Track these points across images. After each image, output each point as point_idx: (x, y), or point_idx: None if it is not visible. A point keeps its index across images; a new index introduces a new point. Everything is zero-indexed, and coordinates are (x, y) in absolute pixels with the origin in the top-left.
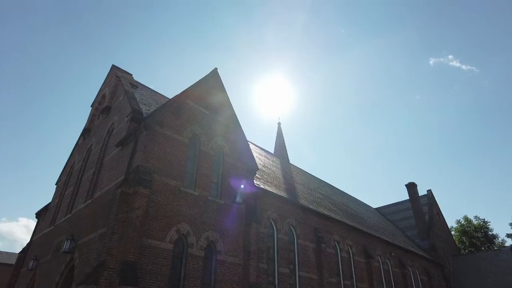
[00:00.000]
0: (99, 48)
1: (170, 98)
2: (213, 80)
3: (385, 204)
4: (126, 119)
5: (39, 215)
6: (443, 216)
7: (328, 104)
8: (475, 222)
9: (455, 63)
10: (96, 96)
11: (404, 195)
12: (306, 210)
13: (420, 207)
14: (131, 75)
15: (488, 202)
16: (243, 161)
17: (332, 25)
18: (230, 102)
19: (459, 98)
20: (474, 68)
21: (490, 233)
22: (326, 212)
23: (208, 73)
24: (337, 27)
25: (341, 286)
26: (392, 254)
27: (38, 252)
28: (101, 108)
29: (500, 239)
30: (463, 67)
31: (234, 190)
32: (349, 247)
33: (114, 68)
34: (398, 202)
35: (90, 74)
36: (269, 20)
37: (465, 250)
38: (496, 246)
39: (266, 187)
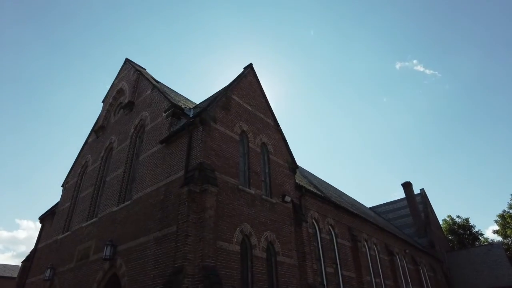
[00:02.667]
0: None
1: (216, 92)
2: (250, 75)
3: (379, 203)
4: (164, 114)
5: (43, 219)
6: (435, 214)
7: (301, 104)
8: (458, 220)
9: (419, 68)
10: (109, 92)
11: (382, 195)
12: (340, 209)
13: (416, 206)
14: (145, 69)
15: (463, 199)
16: (284, 159)
17: (302, 27)
18: (267, 99)
19: (422, 101)
20: (436, 72)
21: (474, 230)
22: (355, 211)
23: (242, 68)
24: (307, 29)
25: (373, 284)
26: (407, 251)
27: (52, 259)
28: (117, 103)
29: (484, 235)
30: (427, 71)
31: (281, 188)
32: (374, 245)
33: (128, 62)
34: (393, 201)
35: (72, 70)
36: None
37: (454, 247)
38: (481, 242)
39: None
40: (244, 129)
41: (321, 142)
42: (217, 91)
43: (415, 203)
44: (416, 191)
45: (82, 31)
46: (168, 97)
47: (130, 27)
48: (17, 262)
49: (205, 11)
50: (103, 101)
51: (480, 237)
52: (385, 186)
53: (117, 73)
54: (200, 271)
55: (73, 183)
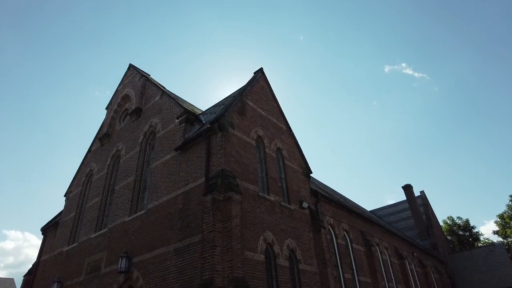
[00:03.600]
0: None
1: (230, 97)
2: (262, 80)
3: (379, 207)
4: (177, 121)
5: (45, 231)
6: (435, 216)
7: (292, 107)
8: (458, 222)
9: (408, 71)
10: (113, 98)
11: (376, 198)
12: (353, 214)
13: (418, 208)
14: (150, 75)
15: (458, 200)
16: (299, 164)
17: (291, 32)
18: (279, 103)
19: (412, 104)
20: (425, 75)
21: (474, 230)
22: (367, 216)
23: (252, 73)
24: (296, 34)
25: (385, 287)
26: (414, 254)
27: (58, 272)
28: (123, 110)
29: (483, 236)
30: (416, 74)
31: (298, 194)
32: (385, 249)
33: (133, 67)
34: (394, 203)
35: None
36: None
37: (454, 248)
38: (481, 243)
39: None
40: (260, 134)
41: (315, 145)
42: (208, 94)
43: (416, 206)
44: (415, 193)
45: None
46: (180, 103)
47: (116, 29)
48: (5, 274)
49: (193, 14)
50: (106, 108)
51: (481, 237)
52: (380, 189)
53: (99, 79)
54: (230, 282)
55: (77, 193)
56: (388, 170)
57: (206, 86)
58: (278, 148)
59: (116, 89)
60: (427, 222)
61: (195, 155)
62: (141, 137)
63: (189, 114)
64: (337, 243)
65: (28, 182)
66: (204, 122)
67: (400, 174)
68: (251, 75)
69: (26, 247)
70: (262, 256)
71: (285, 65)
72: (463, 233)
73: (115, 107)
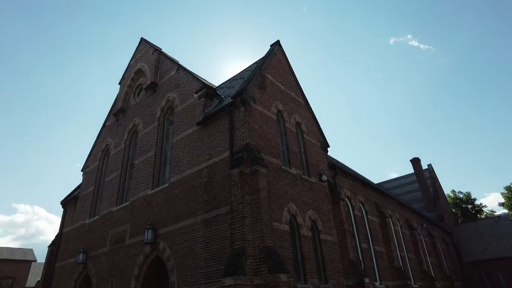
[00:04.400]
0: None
1: (247, 71)
2: (279, 53)
3: (386, 180)
4: (196, 95)
5: (65, 204)
6: (442, 189)
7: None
8: (461, 195)
9: (414, 43)
10: (125, 73)
11: (379, 173)
12: (368, 187)
13: (425, 181)
14: (161, 49)
15: (461, 173)
16: (317, 138)
17: (293, 2)
18: (296, 77)
19: (418, 76)
20: (431, 47)
21: (476, 203)
22: (380, 188)
23: (269, 46)
24: (299, 4)
25: (398, 257)
26: (424, 225)
27: (82, 244)
28: (137, 85)
29: (486, 208)
30: (421, 46)
31: (317, 168)
32: (398, 220)
33: (144, 41)
34: (401, 176)
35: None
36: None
37: (458, 220)
38: (484, 215)
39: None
40: (280, 108)
41: (321, 119)
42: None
43: (423, 179)
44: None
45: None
46: (197, 77)
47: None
48: (18, 244)
49: None
50: (119, 83)
51: (484, 209)
52: (382, 163)
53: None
54: (261, 252)
55: (94, 168)
56: (390, 144)
57: (206, 63)
58: (297, 123)
59: (129, 64)
60: (434, 194)
61: (217, 129)
62: (159, 112)
63: (208, 89)
64: (353, 214)
65: (35, 157)
66: (222, 97)
67: (402, 148)
68: (257, 49)
69: (36, 220)
70: (287, 227)
71: (288, 37)
72: (466, 206)
73: (128, 82)
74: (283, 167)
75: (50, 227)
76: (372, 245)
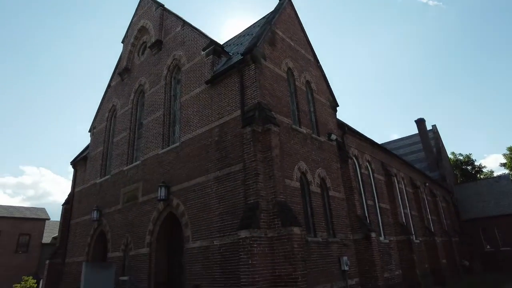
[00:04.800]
0: None
1: (255, 26)
2: (289, 8)
3: (389, 140)
4: (203, 53)
5: (75, 164)
6: (445, 149)
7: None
8: (461, 157)
9: None
10: (128, 31)
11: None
12: (375, 146)
13: (429, 142)
14: (164, 5)
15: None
16: (326, 97)
17: None
18: (306, 33)
19: (427, 34)
20: (441, 3)
21: (476, 164)
22: (386, 148)
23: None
24: None
25: (401, 214)
26: (426, 184)
27: (95, 202)
28: (141, 43)
29: (486, 168)
30: (430, 2)
31: (326, 127)
32: (402, 179)
33: None
34: (405, 137)
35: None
36: None
37: (458, 180)
38: (483, 175)
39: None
40: (290, 66)
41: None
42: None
43: (427, 139)
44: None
45: None
46: (204, 34)
47: None
48: (28, 204)
49: None
50: (122, 42)
51: (484, 170)
52: (383, 123)
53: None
54: (274, 206)
55: (102, 128)
56: (390, 106)
57: (208, 20)
58: (307, 81)
59: (131, 21)
60: (437, 155)
61: (227, 88)
62: (165, 71)
63: (216, 46)
64: (360, 172)
65: (39, 119)
66: (230, 54)
67: (401, 110)
68: (261, 4)
69: (43, 182)
70: (298, 183)
71: None
72: (466, 167)
73: (131, 40)
74: (293, 126)
75: (58, 188)
76: (378, 202)
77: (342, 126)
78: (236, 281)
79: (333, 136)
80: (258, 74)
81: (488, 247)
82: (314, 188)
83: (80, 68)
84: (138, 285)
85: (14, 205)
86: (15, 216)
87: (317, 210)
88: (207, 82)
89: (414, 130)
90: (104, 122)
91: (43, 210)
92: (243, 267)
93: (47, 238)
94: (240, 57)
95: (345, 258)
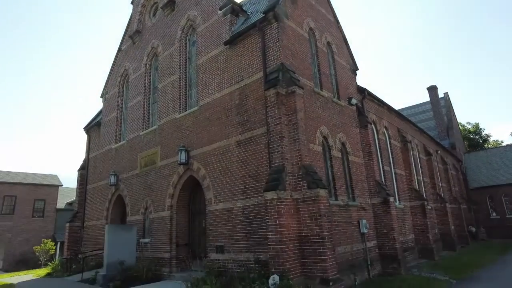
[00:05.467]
0: None
1: None
2: None
3: (404, 107)
4: (220, 12)
5: (88, 130)
6: (456, 118)
7: None
8: (469, 126)
9: None
10: None
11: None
12: (392, 112)
13: (440, 109)
14: None
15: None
16: (346, 60)
17: None
18: None
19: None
20: None
21: (483, 133)
22: (402, 114)
23: None
24: None
25: (415, 180)
26: (438, 152)
27: (111, 167)
28: (152, 4)
29: (492, 138)
30: None
31: (346, 91)
32: (416, 146)
33: None
34: (417, 104)
35: None
36: None
37: (466, 149)
38: (490, 145)
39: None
40: (311, 26)
41: None
42: None
43: (439, 107)
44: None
45: None
46: None
47: None
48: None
49: None
50: (132, 3)
51: (490, 140)
52: (386, 91)
53: None
54: (300, 169)
55: (114, 93)
56: (402, 71)
57: None
58: (328, 42)
59: None
60: (448, 123)
61: (247, 49)
62: (179, 32)
63: (234, 4)
64: (378, 138)
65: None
66: (248, 13)
67: (415, 76)
68: None
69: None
70: (320, 148)
71: None
72: (473, 137)
73: (141, 0)
74: (315, 89)
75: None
76: (394, 168)
77: (362, 90)
78: (260, 241)
79: (354, 101)
80: (281, 33)
81: (494, 214)
82: (335, 152)
83: (87, 32)
84: (159, 246)
85: (27, 171)
86: (30, 182)
87: (337, 175)
88: (225, 43)
89: (425, 98)
90: (116, 87)
91: (55, 176)
92: (270, 227)
93: (61, 204)
94: (260, 15)
95: (364, 221)
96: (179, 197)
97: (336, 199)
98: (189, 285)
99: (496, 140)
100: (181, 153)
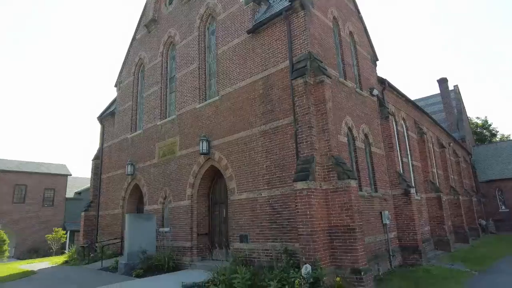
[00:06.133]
0: None
1: None
2: None
3: (413, 99)
4: (241, 0)
5: (102, 120)
6: (465, 110)
7: None
8: (477, 120)
9: None
10: None
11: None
12: (409, 104)
13: (450, 102)
14: None
15: (484, 95)
16: (367, 51)
17: None
18: None
19: None
20: None
21: (491, 128)
22: (419, 106)
23: None
24: None
25: (430, 172)
26: (450, 144)
27: (127, 157)
28: None
29: (500, 132)
30: None
31: (368, 82)
32: (430, 138)
33: None
34: (427, 96)
35: None
36: None
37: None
38: (498, 138)
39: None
40: (335, 15)
41: None
42: None
43: (449, 99)
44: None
45: None
46: None
47: None
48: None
49: None
50: None
51: (497, 134)
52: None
53: None
54: (329, 160)
55: (129, 82)
56: (412, 63)
57: None
58: (350, 32)
59: None
60: (458, 116)
61: (272, 38)
62: (198, 21)
63: None
64: (396, 130)
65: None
66: (270, 1)
67: (425, 68)
68: None
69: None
70: (345, 138)
71: None
72: (481, 131)
73: None
74: (340, 79)
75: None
76: (411, 159)
77: (382, 81)
78: (287, 231)
79: (375, 91)
80: (307, 22)
81: (503, 207)
82: (359, 143)
83: (97, 22)
84: (180, 235)
85: (36, 161)
86: (39, 171)
87: (361, 166)
88: (248, 32)
89: (433, 90)
90: (131, 76)
91: (64, 166)
92: (300, 217)
93: (70, 193)
94: (285, 4)
95: (386, 212)
96: (200, 187)
97: (361, 190)
98: (215, 274)
99: (503, 135)
100: (202, 143)
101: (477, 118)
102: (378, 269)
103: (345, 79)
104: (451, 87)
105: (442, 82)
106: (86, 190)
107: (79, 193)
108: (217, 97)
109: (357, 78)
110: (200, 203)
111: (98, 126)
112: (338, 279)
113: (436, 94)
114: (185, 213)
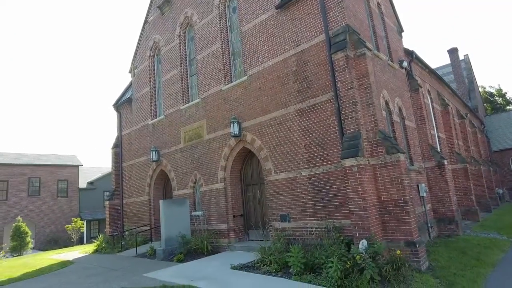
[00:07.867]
0: None
1: None
2: None
3: None
4: None
5: (118, 107)
6: (476, 80)
7: None
8: (490, 89)
9: None
10: None
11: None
12: (433, 75)
13: (461, 72)
14: None
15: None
16: (394, 22)
17: None
18: None
19: None
20: None
21: (507, 96)
22: (442, 78)
23: None
24: None
25: (456, 143)
26: (468, 115)
27: (149, 143)
28: None
29: None
30: None
31: (396, 54)
32: (451, 109)
33: None
34: (437, 67)
35: None
36: None
37: (486, 112)
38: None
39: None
40: None
41: None
42: None
43: (459, 70)
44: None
45: None
46: None
47: None
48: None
49: None
50: None
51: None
52: None
53: None
54: (376, 135)
55: (144, 68)
56: (421, 33)
57: None
58: (378, 3)
59: None
60: (469, 86)
61: (303, 12)
62: None
63: None
64: (424, 102)
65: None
66: None
67: (435, 38)
68: None
69: None
70: (384, 113)
71: None
72: (495, 99)
73: None
74: (375, 51)
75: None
76: (437, 131)
77: (410, 53)
78: (331, 208)
79: (405, 64)
80: None
81: None
82: (395, 117)
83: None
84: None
85: (47, 153)
86: (51, 163)
87: (398, 140)
88: (277, 7)
89: (444, 61)
90: (147, 61)
91: (74, 157)
92: (351, 194)
93: (82, 183)
94: None
95: (423, 185)
96: (232, 169)
97: None
98: (263, 254)
99: None
100: (233, 125)
101: (490, 87)
102: None
103: (378, 51)
104: (461, 57)
105: (453, 52)
106: (98, 179)
107: (91, 182)
108: (245, 77)
109: (387, 50)
110: (234, 185)
111: (103, 115)
112: (398, 252)
113: (446, 65)
114: (219, 196)
